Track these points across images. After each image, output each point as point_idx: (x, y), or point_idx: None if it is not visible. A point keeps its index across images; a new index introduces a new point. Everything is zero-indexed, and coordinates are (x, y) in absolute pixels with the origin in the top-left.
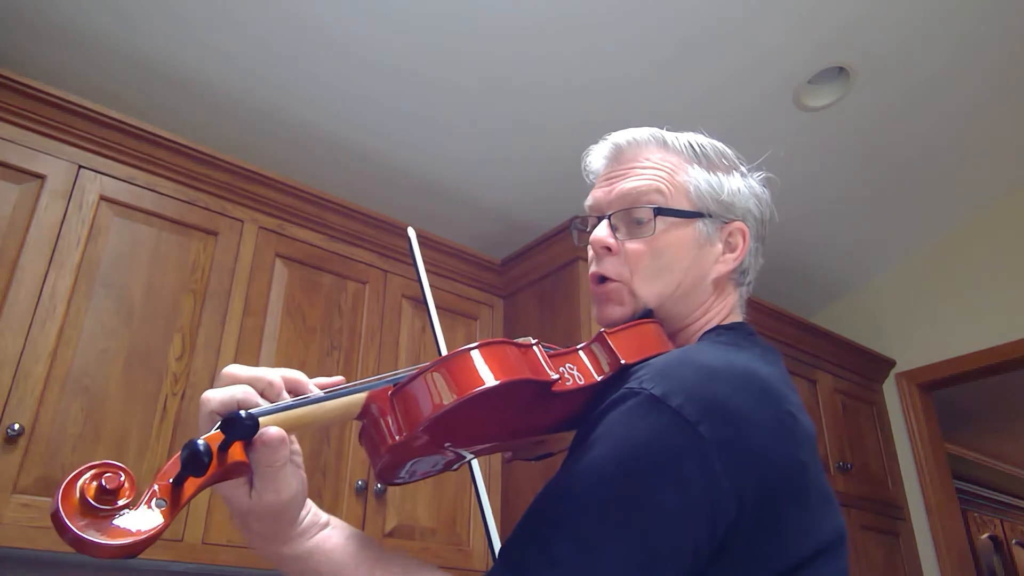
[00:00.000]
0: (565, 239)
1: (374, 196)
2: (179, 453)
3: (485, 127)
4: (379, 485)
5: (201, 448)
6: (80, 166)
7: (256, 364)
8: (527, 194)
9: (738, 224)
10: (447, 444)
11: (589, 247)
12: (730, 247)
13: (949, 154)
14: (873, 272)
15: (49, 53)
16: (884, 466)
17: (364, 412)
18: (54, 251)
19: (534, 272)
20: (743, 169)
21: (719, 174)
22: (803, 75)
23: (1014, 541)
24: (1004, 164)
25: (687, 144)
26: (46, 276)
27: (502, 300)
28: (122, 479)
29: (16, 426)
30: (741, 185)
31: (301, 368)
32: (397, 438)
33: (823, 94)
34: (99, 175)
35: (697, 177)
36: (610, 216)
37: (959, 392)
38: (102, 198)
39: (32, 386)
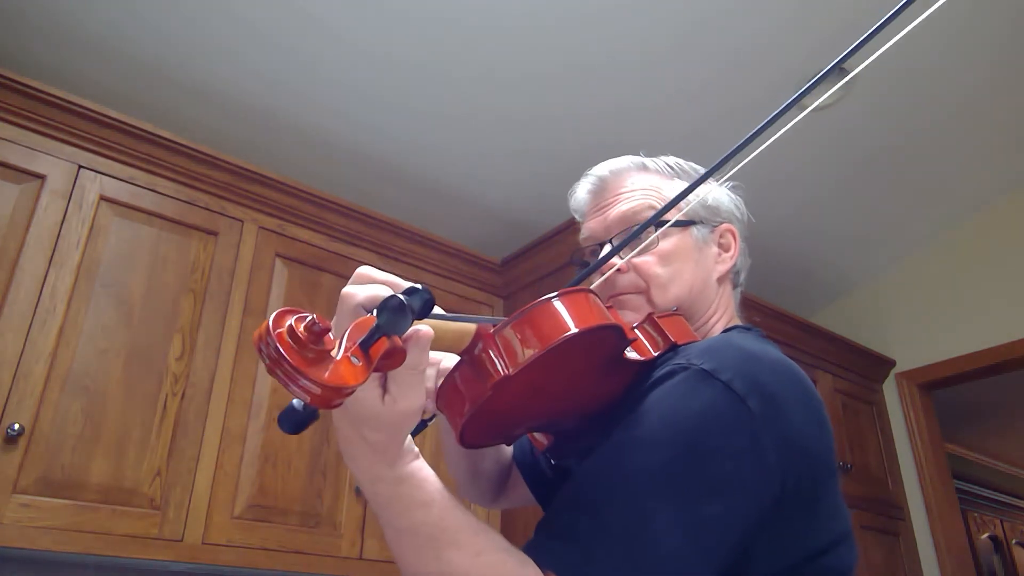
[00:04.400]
0: (565, 239)
1: (374, 196)
2: (365, 317)
3: (486, 129)
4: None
5: (406, 302)
6: (80, 166)
7: (256, 365)
8: (527, 194)
9: (726, 225)
10: (531, 398)
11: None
12: (723, 247)
13: (949, 154)
14: (873, 272)
15: (49, 53)
16: (884, 466)
17: (470, 346)
18: (54, 251)
19: (534, 272)
20: (714, 181)
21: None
22: (803, 75)
23: (1014, 541)
24: (1004, 164)
25: (664, 164)
26: (46, 276)
27: (502, 300)
28: (328, 324)
29: (16, 426)
30: (719, 192)
31: None
32: (504, 372)
33: (823, 94)
34: (99, 175)
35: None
36: (611, 240)
37: (959, 392)
38: (102, 198)
39: (32, 386)
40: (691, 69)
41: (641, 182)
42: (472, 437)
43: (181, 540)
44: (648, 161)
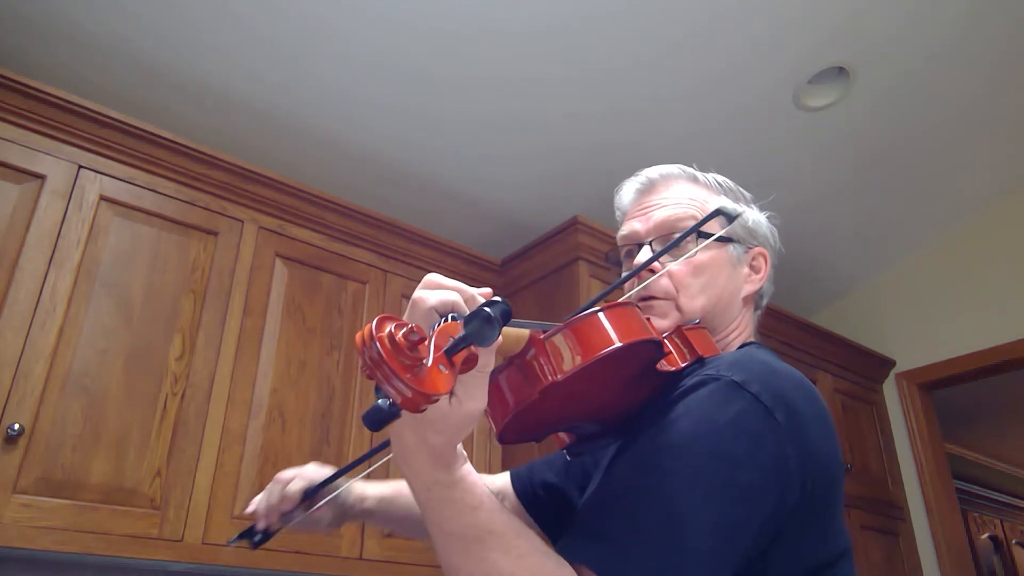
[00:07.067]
0: (565, 239)
1: (374, 196)
2: (447, 324)
3: (485, 128)
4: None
5: (494, 315)
6: (80, 166)
7: (256, 364)
8: (527, 195)
9: (760, 249)
10: (570, 403)
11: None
12: (755, 269)
13: (949, 154)
14: (873, 272)
15: (50, 53)
16: (884, 466)
17: (522, 351)
18: (54, 251)
19: (534, 272)
20: (755, 206)
21: (742, 205)
22: (803, 75)
23: (1014, 541)
24: (1003, 164)
25: (713, 179)
26: (46, 276)
27: None
28: (424, 333)
29: (16, 426)
30: (759, 217)
31: (301, 368)
32: (552, 378)
33: (823, 94)
34: (99, 175)
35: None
36: (651, 243)
37: (959, 392)
38: (102, 198)
39: (32, 386)
40: (691, 70)
41: (688, 192)
42: (511, 435)
43: (181, 540)
44: (699, 174)
